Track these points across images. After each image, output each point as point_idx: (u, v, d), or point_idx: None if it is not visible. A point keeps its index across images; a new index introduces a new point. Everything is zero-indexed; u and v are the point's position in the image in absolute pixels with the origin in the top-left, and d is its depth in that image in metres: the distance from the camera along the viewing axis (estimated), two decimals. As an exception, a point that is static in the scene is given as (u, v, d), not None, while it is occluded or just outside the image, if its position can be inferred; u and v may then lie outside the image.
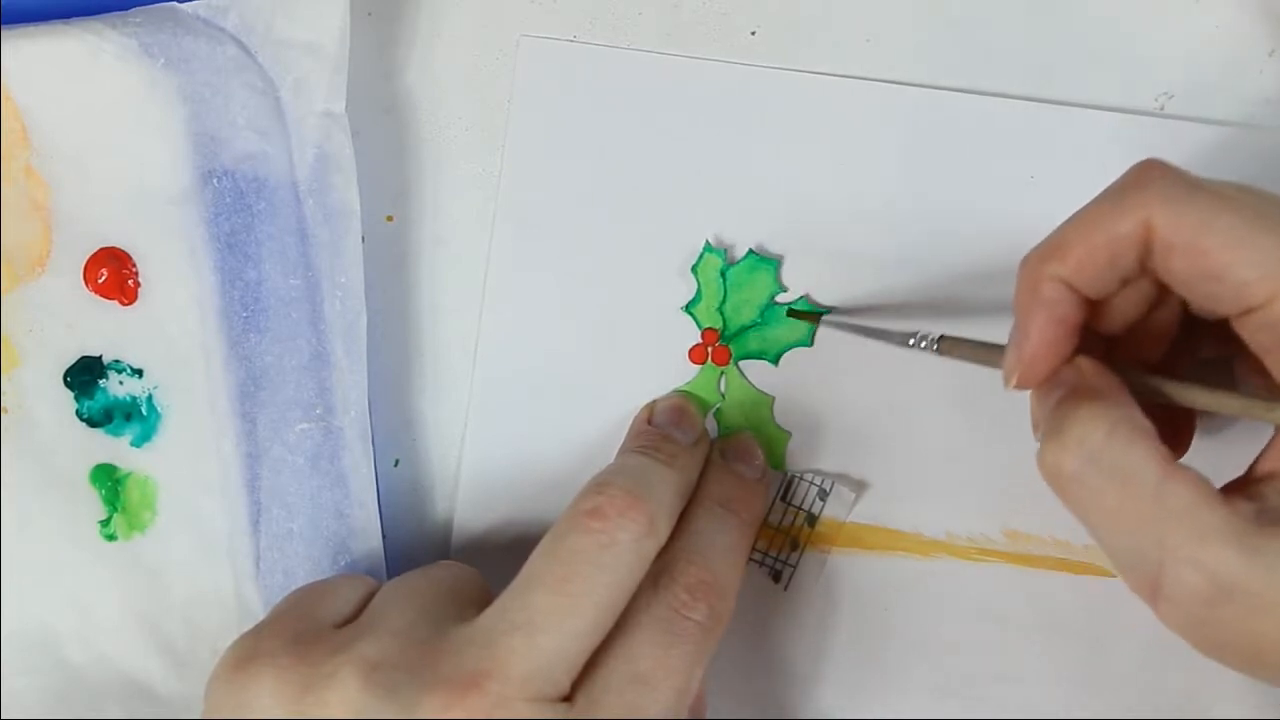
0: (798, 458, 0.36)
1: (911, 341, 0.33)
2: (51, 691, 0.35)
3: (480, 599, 0.31)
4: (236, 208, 0.34)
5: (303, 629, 0.29)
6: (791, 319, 0.35)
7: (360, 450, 0.35)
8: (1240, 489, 0.28)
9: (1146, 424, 0.27)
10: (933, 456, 0.36)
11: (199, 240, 0.34)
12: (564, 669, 0.28)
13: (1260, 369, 0.29)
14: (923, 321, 0.34)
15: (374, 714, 0.27)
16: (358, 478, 0.35)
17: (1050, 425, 0.28)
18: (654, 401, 0.36)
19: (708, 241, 0.36)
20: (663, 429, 0.34)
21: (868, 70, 0.36)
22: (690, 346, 0.36)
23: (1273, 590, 0.25)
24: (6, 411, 0.34)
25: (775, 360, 0.36)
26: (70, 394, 0.35)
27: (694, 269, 0.36)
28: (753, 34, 0.36)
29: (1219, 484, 0.27)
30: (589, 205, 0.36)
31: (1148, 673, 0.36)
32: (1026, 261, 0.29)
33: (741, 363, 0.36)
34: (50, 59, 0.33)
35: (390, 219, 0.36)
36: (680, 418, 0.35)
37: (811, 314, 0.35)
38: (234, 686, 0.29)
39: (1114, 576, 0.36)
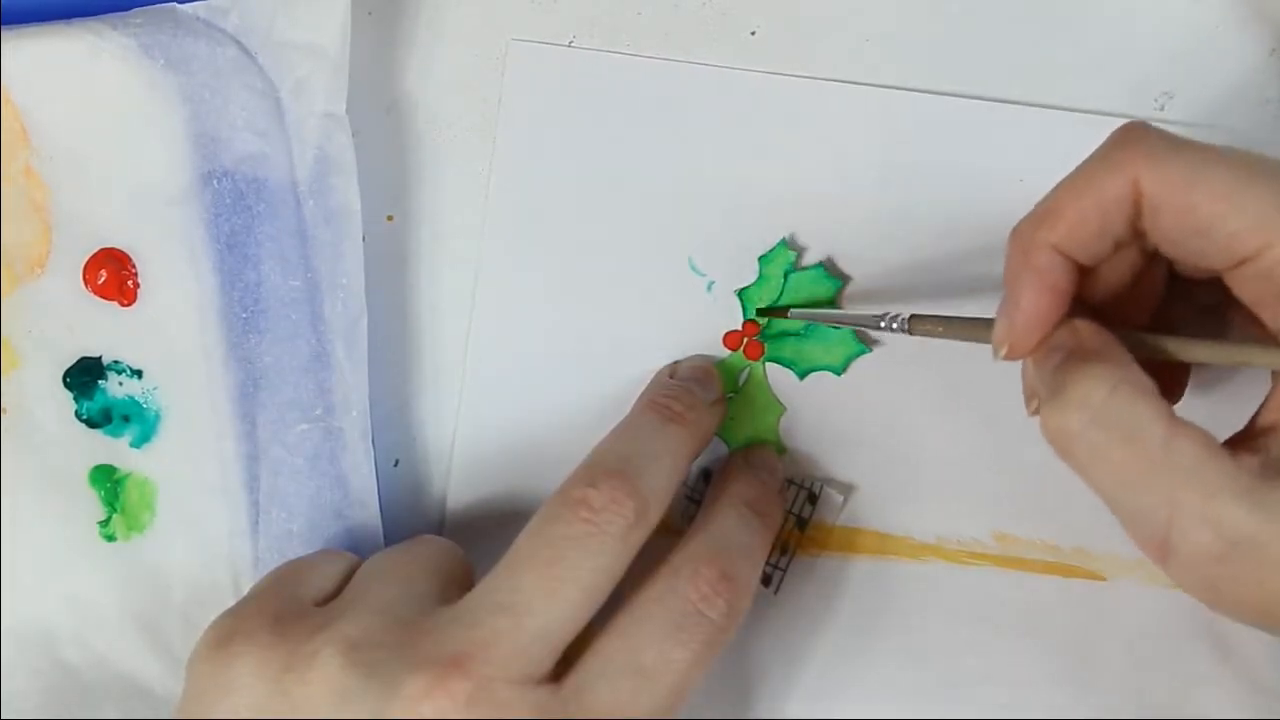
0: (787, 469, 0.36)
1: (882, 324, 0.33)
2: (49, 692, 0.34)
3: (462, 576, 0.31)
4: (236, 209, 0.34)
5: (283, 607, 0.29)
6: (833, 341, 0.35)
7: (361, 451, 0.35)
8: (1243, 443, 0.28)
9: (1148, 381, 0.27)
10: (922, 460, 0.36)
11: (199, 241, 0.34)
12: (548, 651, 0.28)
13: (1254, 320, 0.28)
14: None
15: (356, 694, 0.27)
16: (358, 478, 0.35)
17: (1052, 387, 0.28)
18: (678, 361, 0.36)
19: (784, 239, 0.35)
20: (685, 384, 0.34)
21: (867, 70, 0.36)
22: (725, 332, 0.36)
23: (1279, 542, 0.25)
24: (6, 412, 0.34)
25: (801, 375, 0.36)
26: (70, 395, 0.35)
27: (763, 259, 0.36)
28: (752, 34, 0.36)
29: (1219, 439, 0.27)
30: (578, 206, 0.36)
31: (1136, 674, 0.36)
32: (1017, 231, 0.29)
33: (769, 365, 0.36)
34: (50, 59, 0.33)
35: (390, 219, 0.36)
36: (705, 376, 0.35)
37: (778, 310, 0.35)
38: (215, 665, 0.28)
39: (1103, 579, 0.36)
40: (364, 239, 0.35)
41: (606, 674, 0.28)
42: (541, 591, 0.28)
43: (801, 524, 0.36)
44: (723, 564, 0.30)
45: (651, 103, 0.36)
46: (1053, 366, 0.28)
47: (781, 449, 0.36)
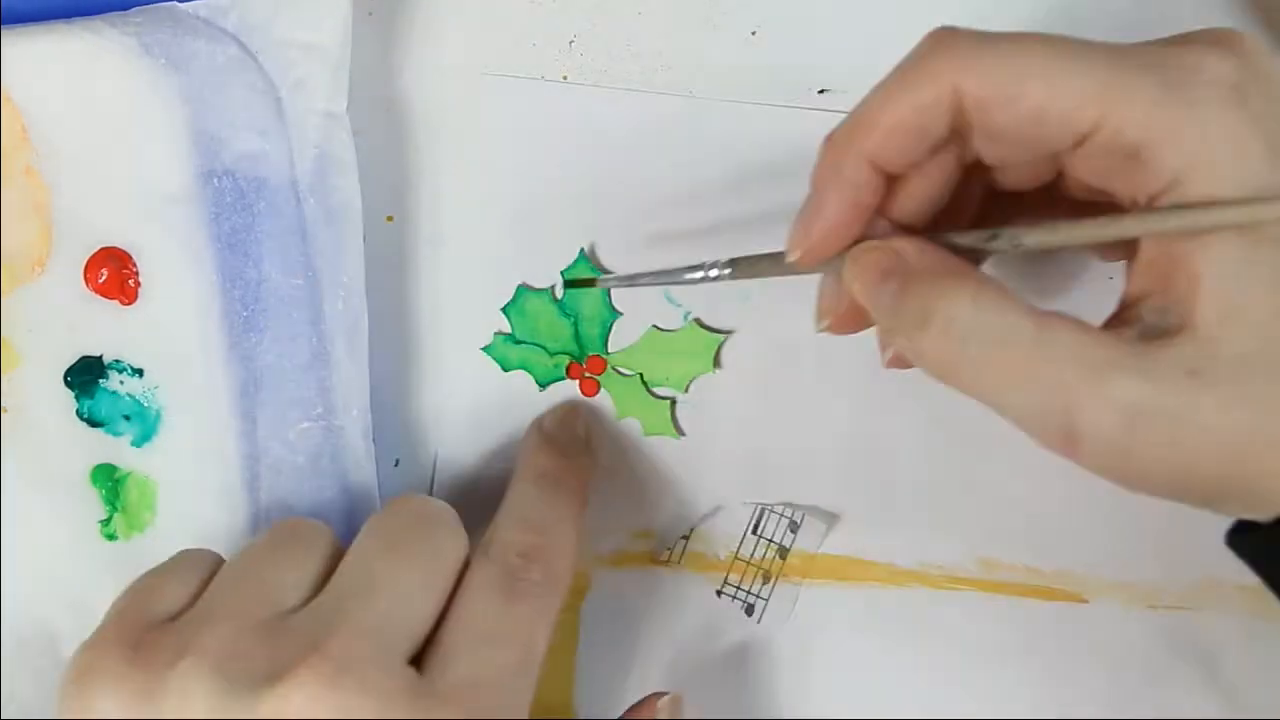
0: (766, 486, 0.36)
1: (701, 274, 0.32)
2: (50, 692, 0.34)
3: (331, 553, 0.31)
4: (237, 207, 0.34)
5: (138, 631, 0.29)
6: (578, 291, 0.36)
7: (362, 450, 0.35)
8: (1117, 319, 0.28)
9: (1002, 284, 0.27)
10: (904, 486, 0.36)
11: (200, 240, 0.34)
12: (404, 628, 0.28)
13: (1097, 190, 0.28)
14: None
15: (220, 711, 0.26)
16: (359, 477, 0.35)
17: (914, 317, 0.27)
18: (543, 415, 0.36)
19: (494, 337, 0.36)
20: (556, 443, 0.35)
21: (869, 70, 0.35)
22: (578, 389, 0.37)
23: (1179, 401, 0.25)
24: (7, 412, 0.34)
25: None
26: (70, 394, 0.35)
27: (497, 358, 0.36)
28: (753, 34, 0.36)
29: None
30: (549, 231, 0.36)
31: (1120, 695, 0.36)
32: (831, 138, 0.29)
33: (611, 356, 0.36)
34: (50, 59, 0.33)
35: (390, 219, 0.36)
36: (570, 426, 0.36)
37: (586, 280, 0.35)
38: (79, 704, 0.28)
39: (1085, 601, 0.36)
40: (364, 239, 0.35)
41: (456, 649, 0.28)
42: (386, 569, 0.29)
43: (783, 553, 0.36)
44: (529, 538, 0.31)
45: (619, 132, 0.36)
46: (892, 293, 0.28)
47: (678, 434, 0.36)
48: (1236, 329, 0.25)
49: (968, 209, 0.31)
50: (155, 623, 0.29)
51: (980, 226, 0.29)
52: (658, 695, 0.33)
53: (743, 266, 0.32)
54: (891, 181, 0.29)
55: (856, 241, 0.29)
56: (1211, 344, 0.25)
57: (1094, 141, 0.26)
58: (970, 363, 0.27)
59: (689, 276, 0.32)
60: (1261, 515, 0.27)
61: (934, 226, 0.30)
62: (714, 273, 0.32)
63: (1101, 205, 0.28)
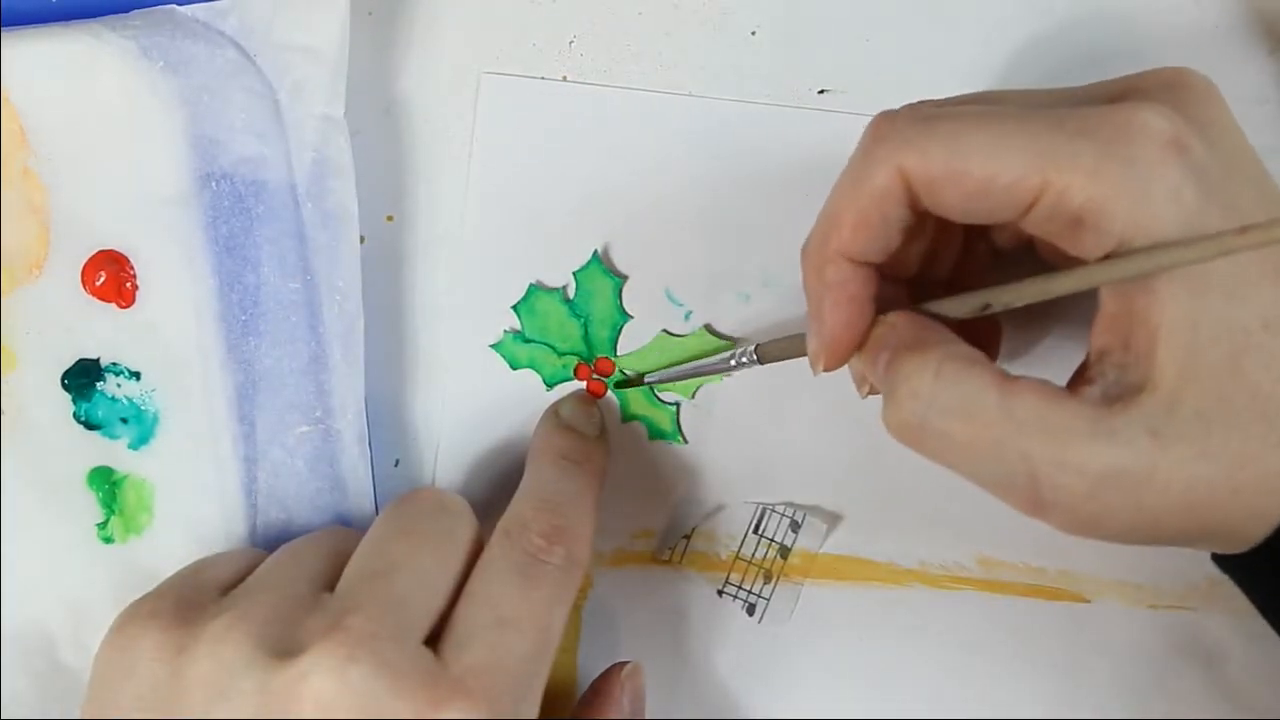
0: (768, 486, 0.36)
1: (733, 362, 0.34)
2: (47, 694, 0.34)
3: None
4: (235, 211, 0.34)
5: (186, 595, 0.30)
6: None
7: (358, 453, 0.35)
8: (1081, 376, 0.28)
9: (973, 352, 0.28)
10: (905, 486, 0.36)
11: (197, 243, 0.34)
12: (421, 607, 0.29)
13: (1057, 251, 0.29)
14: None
15: (244, 666, 0.27)
16: (355, 481, 0.35)
17: (884, 389, 0.28)
18: (559, 401, 0.36)
19: (504, 334, 0.36)
20: (573, 429, 0.35)
21: (869, 70, 0.36)
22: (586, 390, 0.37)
23: (1140, 465, 0.25)
24: (5, 414, 0.34)
25: (616, 334, 0.36)
26: (68, 396, 0.34)
27: (506, 355, 0.36)
28: (753, 34, 0.36)
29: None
30: (548, 230, 0.36)
31: (1123, 694, 0.36)
32: (805, 250, 0.30)
33: (620, 359, 0.36)
34: (49, 61, 0.33)
35: (390, 219, 0.36)
36: (587, 415, 0.36)
37: (634, 380, 0.36)
38: (116, 650, 0.29)
39: (1087, 601, 0.36)
40: (364, 239, 0.35)
41: (472, 632, 0.28)
42: (404, 551, 0.30)
43: (785, 552, 0.36)
44: (549, 516, 0.31)
45: (621, 131, 0.36)
46: (883, 364, 0.28)
47: (683, 440, 0.36)
48: (1194, 384, 0.26)
49: (954, 248, 0.32)
50: (202, 592, 0.30)
51: (969, 260, 0.31)
52: (620, 665, 0.34)
53: (768, 353, 0.33)
54: (883, 264, 0.30)
55: (875, 319, 0.30)
56: (1171, 402, 0.26)
57: (1040, 210, 0.27)
58: (934, 435, 0.27)
59: (719, 366, 0.34)
60: (1233, 550, 0.27)
61: (926, 269, 0.31)
62: (744, 360, 0.33)
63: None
